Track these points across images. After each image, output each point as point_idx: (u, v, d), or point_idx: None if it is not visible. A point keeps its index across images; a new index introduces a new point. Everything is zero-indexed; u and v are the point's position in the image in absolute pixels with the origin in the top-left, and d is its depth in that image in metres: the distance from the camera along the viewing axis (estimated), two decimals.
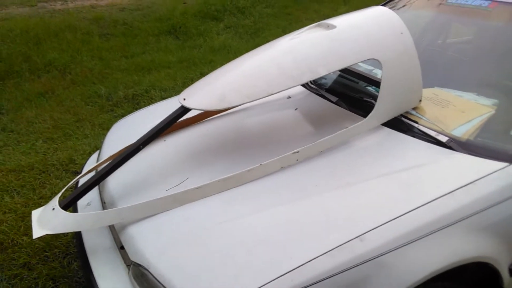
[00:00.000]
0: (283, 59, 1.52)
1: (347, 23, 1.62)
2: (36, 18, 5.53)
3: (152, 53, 5.12)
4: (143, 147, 1.50)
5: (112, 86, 4.17)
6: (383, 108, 1.57)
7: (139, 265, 1.23)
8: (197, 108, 1.47)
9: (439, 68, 1.94)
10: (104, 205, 1.59)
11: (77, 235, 1.55)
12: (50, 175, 2.78)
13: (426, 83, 1.77)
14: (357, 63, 1.92)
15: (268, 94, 1.45)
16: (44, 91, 4.08)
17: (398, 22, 1.60)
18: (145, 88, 4.10)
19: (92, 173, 1.71)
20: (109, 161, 1.52)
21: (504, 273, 1.36)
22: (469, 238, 1.24)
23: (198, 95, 1.50)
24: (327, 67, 1.49)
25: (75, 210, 1.68)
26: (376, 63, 1.59)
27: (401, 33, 1.59)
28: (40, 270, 2.02)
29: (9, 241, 2.19)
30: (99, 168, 1.63)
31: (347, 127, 1.54)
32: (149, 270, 1.19)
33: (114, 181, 1.58)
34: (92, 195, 1.69)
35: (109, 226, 1.50)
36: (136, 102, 3.88)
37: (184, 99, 1.49)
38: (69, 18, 5.66)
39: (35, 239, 1.42)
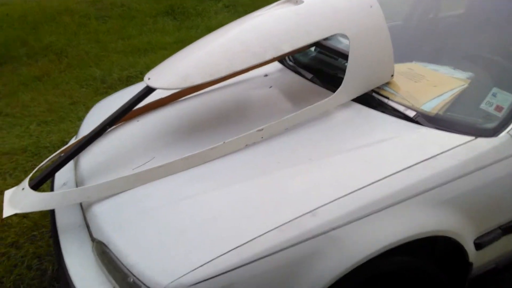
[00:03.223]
0: (247, 36, 1.50)
1: None
2: (32, 3, 5.53)
3: (149, 34, 5.10)
4: (110, 127, 1.51)
5: (108, 68, 4.18)
6: (352, 84, 1.55)
7: (101, 242, 1.26)
8: (160, 87, 1.46)
9: (418, 42, 1.90)
10: (77, 185, 1.62)
11: (51, 214, 1.59)
12: (42, 157, 2.83)
13: (405, 58, 1.75)
14: (332, 39, 1.90)
15: (231, 71, 1.44)
16: (40, 75, 4.12)
17: None
18: (140, 70, 4.10)
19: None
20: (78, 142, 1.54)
21: (469, 247, 1.35)
22: (427, 212, 1.22)
23: (162, 75, 1.49)
24: (291, 44, 1.47)
25: (52, 190, 1.72)
26: None
27: (371, 6, 1.55)
28: (27, 248, 2.08)
29: None
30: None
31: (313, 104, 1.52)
32: (109, 246, 1.21)
33: (85, 160, 1.60)
34: (69, 175, 1.73)
35: (81, 205, 1.53)
36: (130, 84, 3.88)
37: (149, 79, 1.49)
38: (66, 1, 5.65)
39: (6, 217, 1.46)
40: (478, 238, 1.36)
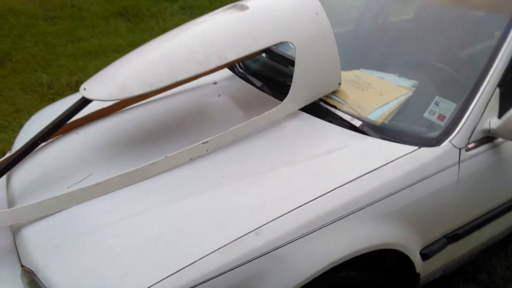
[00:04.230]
0: (190, 43, 1.43)
1: (260, 4, 1.54)
2: None
3: (100, 36, 4.90)
4: (42, 142, 1.40)
5: (55, 73, 3.97)
6: (299, 93, 1.52)
7: (29, 269, 1.15)
8: (96, 98, 1.37)
9: (365, 49, 1.90)
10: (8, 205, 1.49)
11: None
12: None
13: (351, 65, 1.73)
14: (281, 45, 1.87)
15: (173, 81, 1.37)
16: None
17: (313, 3, 1.54)
18: (90, 75, 3.85)
19: None
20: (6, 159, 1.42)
21: (416, 258, 1.35)
22: (372, 225, 1.21)
23: (99, 85, 1.40)
24: (236, 52, 1.42)
25: None
26: None
27: (316, 13, 1.53)
28: None
29: None
30: None
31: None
32: (37, 274, 1.12)
33: (17, 178, 1.48)
34: (0, 193, 1.59)
35: (11, 227, 1.41)
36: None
37: (85, 89, 1.40)
38: (11, 0, 5.34)
39: None
40: (424, 249, 1.36)
